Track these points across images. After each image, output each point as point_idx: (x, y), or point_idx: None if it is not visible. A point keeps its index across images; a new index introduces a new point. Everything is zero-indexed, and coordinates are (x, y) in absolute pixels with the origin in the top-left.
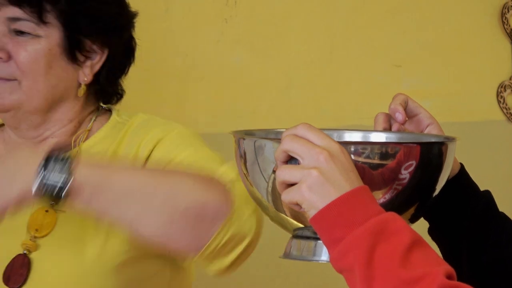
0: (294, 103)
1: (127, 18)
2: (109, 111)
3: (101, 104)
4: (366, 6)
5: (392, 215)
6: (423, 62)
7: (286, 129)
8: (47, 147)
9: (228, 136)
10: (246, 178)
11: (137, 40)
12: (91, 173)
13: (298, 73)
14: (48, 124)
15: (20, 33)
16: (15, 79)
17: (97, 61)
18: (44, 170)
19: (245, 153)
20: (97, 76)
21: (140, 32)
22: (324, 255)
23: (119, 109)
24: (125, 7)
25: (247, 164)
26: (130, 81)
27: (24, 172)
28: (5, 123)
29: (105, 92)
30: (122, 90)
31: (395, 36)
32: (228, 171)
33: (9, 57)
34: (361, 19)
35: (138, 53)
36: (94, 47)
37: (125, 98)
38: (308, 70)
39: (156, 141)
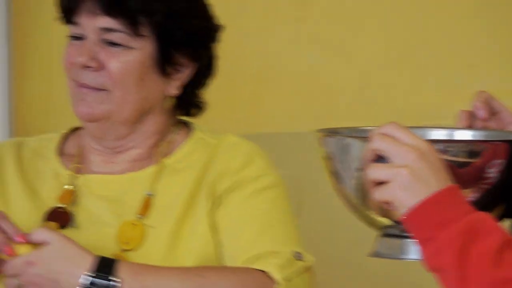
0: (370, 103)
1: (214, 32)
2: (186, 124)
3: (181, 117)
4: (443, 7)
5: (483, 214)
6: (499, 62)
7: (370, 127)
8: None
9: (304, 135)
10: (332, 176)
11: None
12: (134, 283)
13: (374, 73)
14: (133, 136)
15: (112, 44)
16: (106, 89)
17: (185, 74)
18: (91, 284)
19: (330, 152)
20: (183, 88)
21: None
22: (412, 253)
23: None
24: (213, 21)
25: (333, 162)
26: None
27: (71, 276)
28: (90, 133)
29: (188, 104)
30: (203, 103)
31: (471, 36)
32: (289, 262)
33: (101, 67)
34: (437, 19)
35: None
36: (184, 60)
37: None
38: (384, 70)
39: (235, 183)
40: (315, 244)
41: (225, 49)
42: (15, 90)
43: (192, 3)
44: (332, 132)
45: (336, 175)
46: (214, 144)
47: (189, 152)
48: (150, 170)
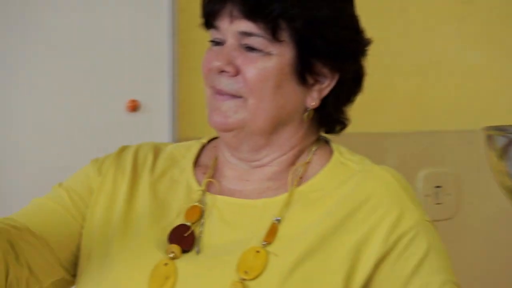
0: None
1: (362, 45)
2: (327, 143)
3: (322, 134)
4: None
5: None
6: None
7: None
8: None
9: (465, 132)
10: (498, 174)
11: (373, 39)
12: None
13: None
14: (270, 149)
15: (250, 49)
16: (241, 97)
17: (326, 85)
18: None
19: (500, 149)
20: (323, 101)
21: (377, 31)
22: None
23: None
24: (361, 34)
25: (504, 160)
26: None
27: None
28: (226, 143)
29: (330, 119)
30: (347, 120)
31: None
32: None
33: (237, 72)
34: None
35: (374, 51)
36: (325, 70)
37: (361, 95)
38: None
39: (393, 243)
40: (474, 242)
41: (385, 47)
42: (180, 87)
43: (336, 13)
44: (498, 130)
45: (506, 173)
46: (357, 172)
47: (327, 179)
48: (283, 196)
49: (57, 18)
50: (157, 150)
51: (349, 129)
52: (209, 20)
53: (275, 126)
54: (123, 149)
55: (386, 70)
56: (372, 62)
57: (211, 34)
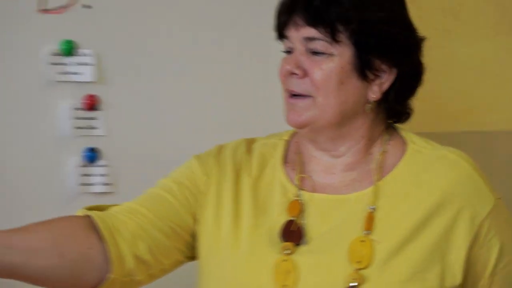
0: None
1: (415, 42)
2: (395, 129)
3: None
4: None
5: None
6: None
7: None
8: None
9: None
10: None
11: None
12: None
13: None
14: (343, 139)
15: (315, 53)
16: (310, 96)
17: (385, 80)
18: None
19: None
20: (386, 94)
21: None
22: None
23: (406, 127)
24: (413, 31)
25: None
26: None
27: None
28: (304, 136)
29: (393, 110)
30: (410, 110)
31: None
32: None
33: (305, 74)
34: None
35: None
36: (383, 66)
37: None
38: None
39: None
40: None
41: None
42: None
43: (388, 14)
44: None
45: None
46: (434, 159)
47: (409, 168)
48: (372, 188)
49: None
50: (249, 150)
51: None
52: (280, 31)
53: (342, 119)
54: (220, 148)
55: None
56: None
57: (284, 45)
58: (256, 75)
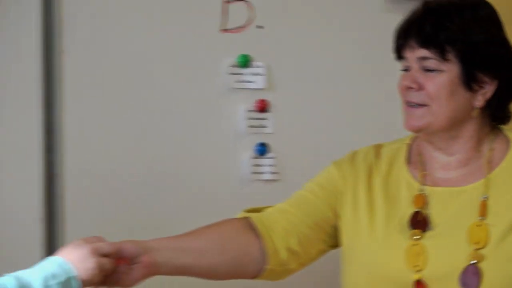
0: None
1: (509, 56)
2: (501, 132)
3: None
4: None
5: None
6: None
7: None
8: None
9: None
10: None
11: None
12: None
13: None
14: (455, 140)
15: (428, 70)
16: (425, 105)
17: (488, 90)
18: None
19: None
20: (489, 102)
21: None
22: None
23: None
24: (509, 48)
25: None
26: None
27: None
28: (422, 139)
29: (496, 115)
30: (509, 114)
31: None
32: None
33: (420, 88)
34: None
35: None
36: (486, 79)
37: None
38: None
39: None
40: None
41: None
42: None
43: (489, 36)
44: None
45: None
46: None
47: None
48: (483, 180)
49: None
50: (378, 154)
51: None
52: (399, 53)
53: (452, 123)
54: (354, 154)
55: None
56: None
57: (402, 64)
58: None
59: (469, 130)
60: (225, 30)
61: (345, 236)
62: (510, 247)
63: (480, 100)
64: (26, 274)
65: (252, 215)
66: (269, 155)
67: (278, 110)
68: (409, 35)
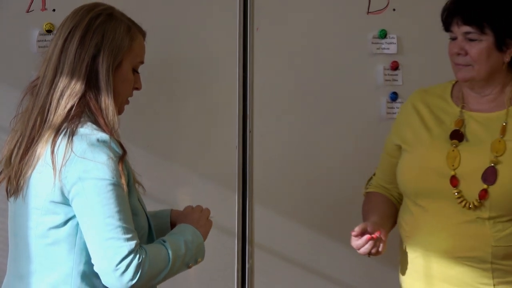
0: None
1: None
2: None
3: None
4: None
5: None
6: None
7: None
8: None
9: None
10: None
11: None
12: None
13: None
14: (488, 86)
15: (470, 40)
16: (470, 65)
17: None
18: None
19: None
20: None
21: None
22: None
23: None
24: None
25: None
26: None
27: None
28: (466, 85)
29: None
30: None
31: None
32: None
33: (466, 53)
34: None
35: None
36: (510, 41)
37: None
38: None
39: None
40: None
41: None
42: None
43: (509, 17)
44: None
45: None
46: None
47: None
48: (504, 111)
49: None
50: (427, 93)
51: None
52: (446, 27)
53: (489, 76)
54: (415, 94)
55: None
56: None
57: (449, 34)
58: None
59: (499, 78)
60: (370, 13)
61: (405, 147)
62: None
63: (508, 57)
64: (172, 239)
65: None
66: (398, 100)
67: (406, 69)
68: (455, 14)
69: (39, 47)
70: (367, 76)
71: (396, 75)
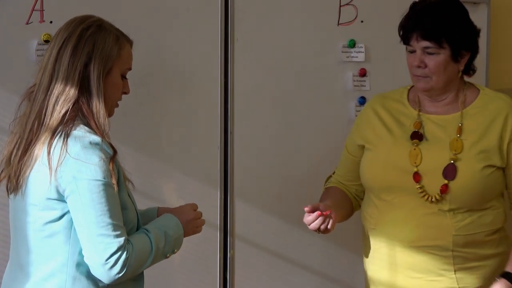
0: None
1: (477, 36)
2: (472, 85)
3: (465, 80)
4: None
5: None
6: None
7: None
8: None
9: None
10: None
11: None
12: None
13: None
14: (445, 93)
15: (429, 53)
16: (428, 77)
17: (466, 58)
18: None
19: None
20: (466, 65)
21: None
22: None
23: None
24: (476, 31)
25: None
26: None
27: None
28: (424, 94)
29: (467, 73)
30: (475, 69)
31: None
32: None
33: (425, 66)
34: None
35: None
36: (465, 52)
37: None
38: None
39: None
40: None
41: None
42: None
43: (466, 24)
44: None
45: None
46: (494, 98)
47: (480, 103)
48: (459, 113)
49: None
50: (385, 98)
51: None
52: (405, 41)
53: (446, 85)
54: (374, 99)
55: None
56: None
57: (407, 48)
58: None
59: (454, 85)
60: (341, 24)
61: (368, 146)
62: (475, 153)
63: (462, 65)
64: (155, 230)
65: (339, 185)
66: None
67: (373, 75)
68: (414, 30)
69: (37, 55)
70: (338, 82)
71: (364, 81)
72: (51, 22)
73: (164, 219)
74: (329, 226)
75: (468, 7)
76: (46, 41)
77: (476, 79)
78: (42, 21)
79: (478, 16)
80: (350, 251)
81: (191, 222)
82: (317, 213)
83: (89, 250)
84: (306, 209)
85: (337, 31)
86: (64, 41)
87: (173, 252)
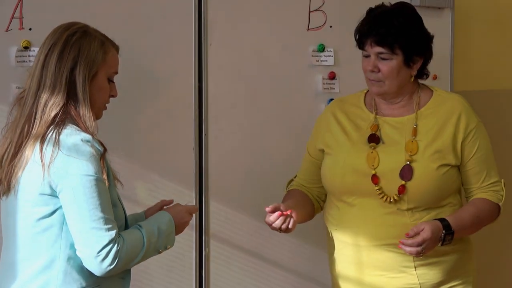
0: None
1: (430, 41)
2: (426, 86)
3: (421, 82)
4: None
5: None
6: None
7: None
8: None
9: None
10: None
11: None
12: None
13: None
14: (399, 96)
15: (383, 59)
16: (382, 81)
17: (418, 64)
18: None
19: None
20: (419, 70)
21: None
22: None
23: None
24: (430, 37)
25: None
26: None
27: None
28: (379, 97)
29: (421, 77)
30: (429, 73)
31: None
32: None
33: (379, 70)
34: None
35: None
36: (418, 58)
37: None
38: None
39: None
40: None
41: None
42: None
43: (419, 31)
44: None
45: None
46: (446, 99)
47: (434, 104)
48: (414, 114)
49: None
50: (343, 103)
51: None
52: (360, 46)
53: (399, 88)
54: (333, 103)
55: None
56: None
57: (362, 52)
58: None
59: (407, 88)
60: (310, 29)
61: (328, 150)
62: (429, 153)
63: (414, 70)
64: (148, 225)
65: (303, 188)
66: None
67: (342, 78)
68: (368, 35)
69: (17, 61)
70: (308, 85)
71: (334, 83)
72: (30, 29)
73: (157, 215)
74: (290, 226)
75: (432, 12)
76: (26, 48)
77: (441, 81)
78: (21, 28)
79: (442, 21)
80: (320, 249)
81: (183, 224)
82: (278, 213)
83: (82, 243)
84: (267, 209)
85: (307, 36)
86: (51, 48)
87: (166, 248)
